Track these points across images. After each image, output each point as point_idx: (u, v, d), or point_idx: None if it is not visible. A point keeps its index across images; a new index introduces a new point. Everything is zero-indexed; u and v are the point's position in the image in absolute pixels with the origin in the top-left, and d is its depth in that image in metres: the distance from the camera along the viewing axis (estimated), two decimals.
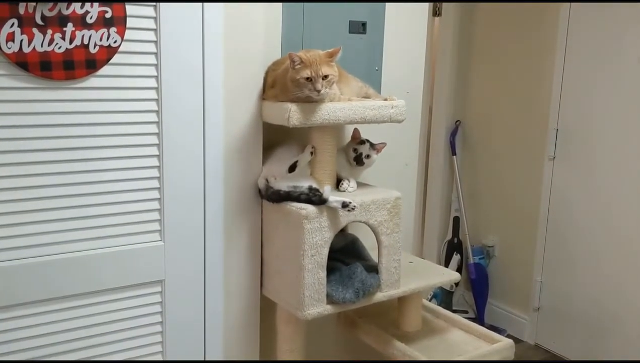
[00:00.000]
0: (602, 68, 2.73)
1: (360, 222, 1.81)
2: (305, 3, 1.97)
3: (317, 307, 1.74)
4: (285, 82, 1.73)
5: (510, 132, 3.18)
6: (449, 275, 2.08)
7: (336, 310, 1.79)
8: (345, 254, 1.98)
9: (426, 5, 2.34)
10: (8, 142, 1.49)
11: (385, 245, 1.85)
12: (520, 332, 3.18)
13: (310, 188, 1.76)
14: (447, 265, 3.37)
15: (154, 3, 1.61)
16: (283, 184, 1.78)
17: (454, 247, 3.38)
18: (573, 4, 2.82)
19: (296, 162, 1.80)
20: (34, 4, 1.44)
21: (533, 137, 3.06)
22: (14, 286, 1.54)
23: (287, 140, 1.91)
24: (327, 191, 1.74)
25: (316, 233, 1.71)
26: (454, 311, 3.24)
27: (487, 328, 2.15)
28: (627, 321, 2.69)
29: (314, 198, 1.73)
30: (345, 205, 1.73)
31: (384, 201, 1.83)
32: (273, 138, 1.91)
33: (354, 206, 1.74)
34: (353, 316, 2.12)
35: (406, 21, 2.25)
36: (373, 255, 1.94)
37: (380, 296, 1.86)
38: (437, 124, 3.41)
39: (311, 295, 1.73)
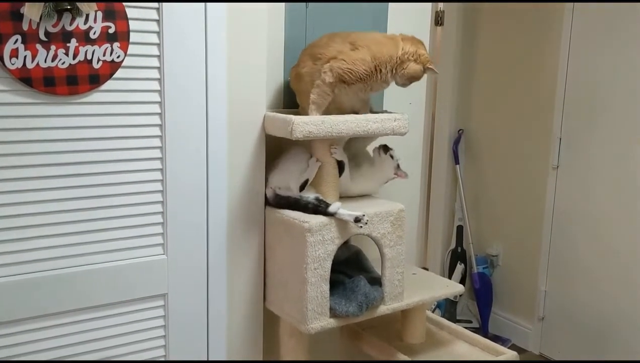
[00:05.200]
0: (605, 77, 2.73)
1: (363, 234, 1.81)
2: (307, 13, 1.97)
3: (320, 321, 1.74)
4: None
5: (513, 140, 3.17)
6: (452, 287, 2.07)
7: (339, 323, 1.78)
8: (349, 266, 1.97)
9: (428, 14, 2.34)
10: (12, 157, 1.49)
11: (389, 257, 1.84)
12: (524, 342, 3.17)
13: (317, 199, 1.77)
14: (450, 274, 3.36)
15: (157, 17, 1.61)
16: (292, 192, 1.82)
17: (457, 256, 3.37)
18: (576, 12, 2.82)
19: (307, 181, 1.80)
20: (37, 20, 1.44)
21: (536, 145, 3.05)
22: (15, 301, 1.54)
23: (292, 148, 1.91)
24: (336, 206, 1.74)
25: (319, 246, 1.71)
26: (458, 321, 3.24)
27: (491, 338, 2.14)
28: (633, 331, 2.68)
29: (321, 208, 1.73)
30: (357, 219, 1.71)
31: (387, 213, 1.82)
32: (277, 146, 1.90)
33: (367, 220, 1.73)
34: (356, 328, 2.11)
35: (408, 31, 2.25)
36: (376, 266, 1.94)
37: (383, 309, 1.85)
38: (440, 133, 3.41)
39: (314, 309, 1.72)
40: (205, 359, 1.85)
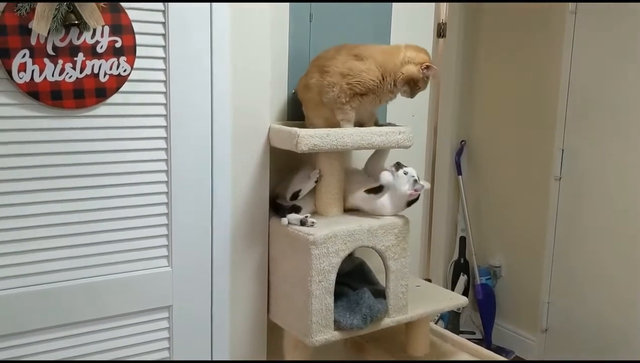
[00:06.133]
0: (608, 88, 2.74)
1: (368, 247, 1.81)
2: (311, 27, 1.99)
3: (325, 334, 1.74)
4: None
5: (515, 151, 3.18)
6: (456, 300, 2.06)
7: (344, 336, 1.78)
8: (353, 278, 1.97)
9: (431, 26, 2.36)
10: (18, 170, 1.50)
11: (393, 270, 1.84)
12: (527, 354, 3.15)
13: (293, 206, 1.83)
14: (453, 285, 3.35)
15: (163, 31, 1.63)
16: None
17: (460, 268, 3.37)
18: (578, 23, 2.83)
19: (299, 191, 1.82)
20: (45, 34, 1.45)
21: (538, 157, 3.06)
22: (20, 314, 1.54)
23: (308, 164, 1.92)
24: (292, 216, 1.80)
25: (323, 259, 1.71)
26: (461, 332, 3.23)
27: (495, 349, 2.14)
28: (636, 342, 2.67)
29: (282, 212, 1.83)
30: (303, 223, 1.76)
31: (391, 226, 1.83)
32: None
33: (312, 221, 1.75)
34: (360, 340, 2.11)
35: (411, 43, 2.27)
36: (380, 278, 1.94)
37: (387, 322, 1.85)
38: (442, 144, 3.41)
39: (319, 322, 1.72)
40: None
